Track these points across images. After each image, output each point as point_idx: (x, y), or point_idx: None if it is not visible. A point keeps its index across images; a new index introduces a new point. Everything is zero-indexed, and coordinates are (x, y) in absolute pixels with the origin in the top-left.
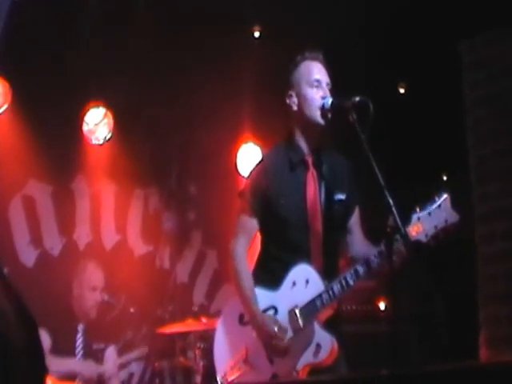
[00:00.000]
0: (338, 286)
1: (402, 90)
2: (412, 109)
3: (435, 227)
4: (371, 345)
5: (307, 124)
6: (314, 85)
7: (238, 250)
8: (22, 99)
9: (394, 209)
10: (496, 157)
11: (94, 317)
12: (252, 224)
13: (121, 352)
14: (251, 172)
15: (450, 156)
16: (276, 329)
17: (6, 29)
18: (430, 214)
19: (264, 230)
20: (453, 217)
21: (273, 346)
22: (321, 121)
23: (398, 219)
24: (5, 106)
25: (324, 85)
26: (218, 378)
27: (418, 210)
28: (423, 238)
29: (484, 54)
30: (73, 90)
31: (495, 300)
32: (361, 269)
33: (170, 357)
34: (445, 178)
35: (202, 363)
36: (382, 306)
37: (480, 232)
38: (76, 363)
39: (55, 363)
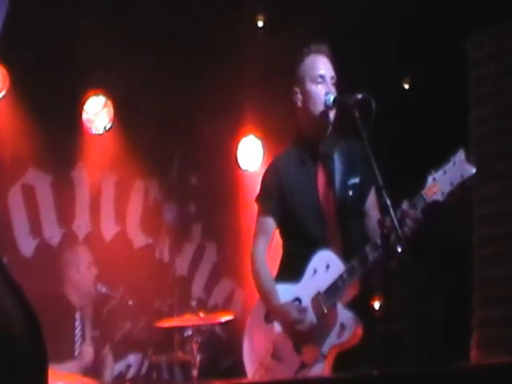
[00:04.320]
0: (358, 261)
1: (406, 86)
2: (416, 104)
3: (451, 184)
4: (365, 343)
5: (312, 120)
6: (318, 81)
7: (258, 252)
8: (20, 86)
9: (391, 209)
10: (498, 157)
11: (93, 295)
12: (270, 223)
13: (118, 345)
14: (264, 174)
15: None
16: (296, 313)
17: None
18: (445, 172)
19: (282, 227)
20: (468, 170)
21: (297, 332)
22: (324, 120)
23: (395, 220)
24: (2, 93)
25: (328, 79)
26: (249, 377)
27: (433, 171)
28: (440, 197)
29: (490, 50)
30: (72, 78)
31: (490, 302)
32: (378, 240)
33: (168, 350)
34: None
35: (199, 357)
36: (376, 305)
37: (478, 234)
38: (72, 365)
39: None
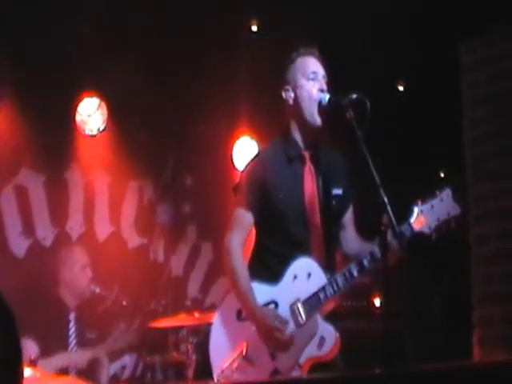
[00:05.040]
0: (342, 278)
1: (401, 88)
2: (411, 106)
3: (438, 219)
4: (366, 341)
5: (303, 118)
6: (311, 77)
7: (233, 245)
8: (14, 87)
9: (388, 207)
10: (492, 157)
11: (88, 296)
12: (248, 218)
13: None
14: (247, 166)
15: (448, 154)
16: (276, 322)
17: None
18: (432, 206)
19: (261, 224)
20: (455, 210)
21: (274, 340)
22: (317, 120)
23: (392, 217)
24: None
25: (320, 77)
26: (215, 376)
27: (419, 203)
28: (426, 230)
29: (483, 54)
30: (66, 79)
31: (489, 300)
32: (365, 261)
33: (163, 351)
34: (442, 175)
35: (194, 358)
36: (377, 302)
37: (475, 233)
38: (65, 356)
39: (45, 364)
